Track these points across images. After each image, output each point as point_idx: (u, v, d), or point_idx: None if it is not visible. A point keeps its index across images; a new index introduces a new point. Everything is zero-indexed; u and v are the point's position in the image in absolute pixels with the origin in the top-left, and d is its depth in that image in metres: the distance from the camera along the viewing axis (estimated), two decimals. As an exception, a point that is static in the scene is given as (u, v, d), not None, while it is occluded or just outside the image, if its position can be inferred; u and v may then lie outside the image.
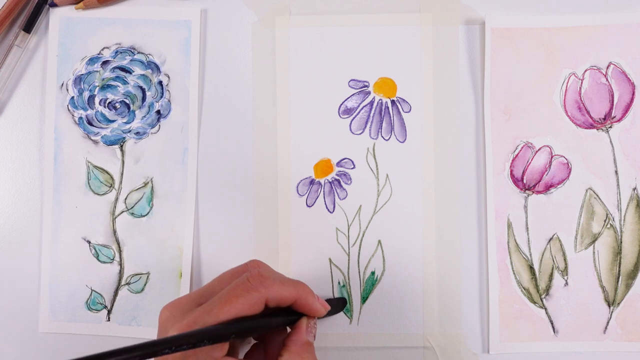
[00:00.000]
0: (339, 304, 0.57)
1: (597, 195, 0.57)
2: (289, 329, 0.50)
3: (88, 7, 0.60)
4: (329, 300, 0.53)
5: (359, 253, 0.58)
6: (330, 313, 0.53)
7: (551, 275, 0.57)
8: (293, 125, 0.59)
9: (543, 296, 0.57)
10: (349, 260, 0.58)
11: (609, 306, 0.57)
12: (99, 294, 0.59)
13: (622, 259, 0.57)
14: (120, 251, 0.59)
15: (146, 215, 0.59)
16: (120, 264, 0.59)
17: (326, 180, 0.59)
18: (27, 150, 0.60)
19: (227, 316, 0.43)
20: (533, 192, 0.58)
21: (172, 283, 0.58)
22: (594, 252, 0.57)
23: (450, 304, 0.57)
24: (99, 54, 0.60)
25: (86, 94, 0.60)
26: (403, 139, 0.59)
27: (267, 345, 0.50)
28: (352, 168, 0.59)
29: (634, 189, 0.57)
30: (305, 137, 0.59)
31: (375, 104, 0.59)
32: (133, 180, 0.59)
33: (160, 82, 0.59)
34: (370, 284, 0.58)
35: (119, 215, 0.59)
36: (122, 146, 0.59)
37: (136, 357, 0.38)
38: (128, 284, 0.59)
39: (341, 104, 0.59)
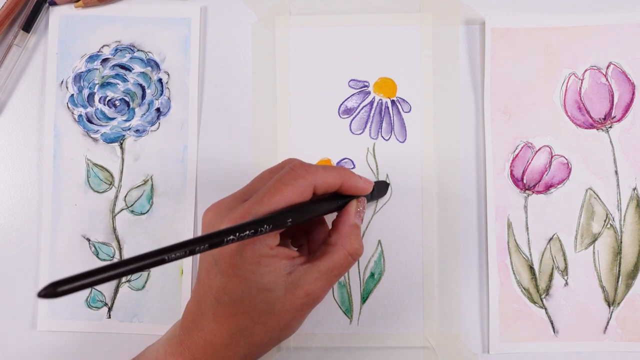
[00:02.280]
0: (383, 185, 0.58)
1: (597, 195, 0.57)
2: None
3: (88, 6, 0.60)
4: (376, 182, 0.54)
5: (358, 253, 0.58)
6: (375, 195, 0.55)
7: (551, 275, 0.57)
8: (293, 125, 0.59)
9: (543, 296, 0.57)
10: (348, 260, 0.58)
11: (609, 306, 0.57)
12: (99, 291, 0.58)
13: (622, 259, 0.57)
14: (120, 249, 0.58)
15: (146, 213, 0.59)
16: (120, 261, 0.58)
17: (326, 180, 0.59)
18: (27, 148, 0.60)
19: (280, 204, 0.43)
20: (533, 192, 0.58)
21: (173, 280, 0.58)
22: (594, 252, 0.57)
23: (450, 304, 0.57)
24: (98, 52, 0.60)
25: (86, 92, 0.59)
26: (403, 139, 0.59)
27: (310, 241, 0.52)
28: (352, 168, 0.59)
29: (634, 189, 0.57)
30: (305, 137, 0.59)
31: (375, 104, 0.59)
32: (133, 178, 0.59)
33: (160, 80, 0.59)
34: (370, 284, 0.58)
35: (118, 213, 0.59)
36: (121, 144, 0.59)
37: (204, 246, 0.39)
38: (129, 281, 0.58)
39: (341, 104, 0.59)
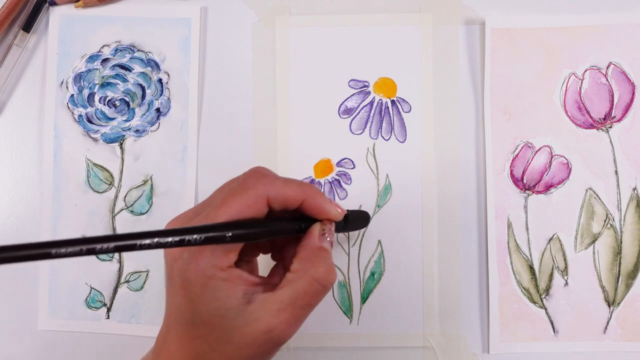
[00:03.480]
0: (361, 217, 0.53)
1: (597, 195, 0.57)
2: None
3: (88, 6, 0.60)
4: (351, 212, 0.48)
5: (359, 253, 0.58)
6: (351, 225, 0.49)
7: (551, 275, 0.57)
8: (293, 125, 0.59)
9: (543, 296, 0.57)
10: (349, 260, 0.58)
11: (609, 306, 0.57)
12: (99, 291, 0.58)
13: (622, 259, 0.57)
14: (119, 249, 0.59)
15: (146, 213, 0.59)
16: (120, 261, 0.58)
17: (326, 180, 0.59)
18: (27, 148, 0.60)
19: (224, 218, 0.39)
20: (533, 192, 0.58)
21: (171, 281, 0.58)
22: (594, 252, 0.57)
23: (450, 304, 0.57)
24: (98, 52, 0.60)
25: (86, 92, 0.59)
26: (403, 139, 0.59)
27: (286, 262, 0.45)
28: (352, 168, 0.59)
29: (634, 189, 0.57)
30: (305, 137, 0.59)
31: (375, 104, 0.59)
32: (132, 178, 0.59)
33: (160, 80, 0.59)
34: (370, 284, 0.58)
35: (118, 213, 0.59)
36: (121, 144, 0.59)
37: (112, 249, 0.35)
38: (127, 281, 0.58)
39: (341, 104, 0.59)
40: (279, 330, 0.40)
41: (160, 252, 0.58)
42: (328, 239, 0.43)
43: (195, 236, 0.36)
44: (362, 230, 0.58)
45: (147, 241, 0.35)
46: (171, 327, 0.41)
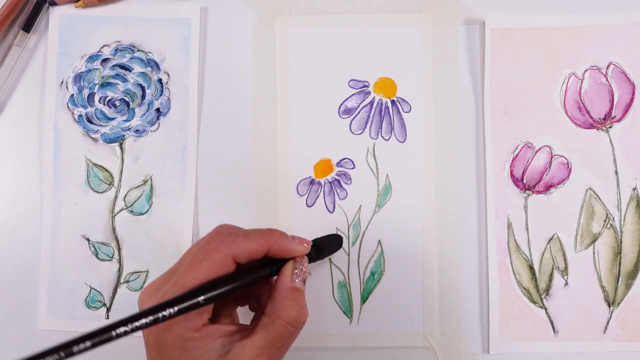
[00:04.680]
0: (333, 241, 0.54)
1: (597, 195, 0.57)
2: None
3: (88, 6, 0.60)
4: (321, 239, 0.51)
5: (359, 253, 0.58)
6: (325, 251, 0.50)
7: (551, 275, 0.57)
8: (293, 125, 0.59)
9: (543, 296, 0.57)
10: (349, 260, 0.58)
11: (609, 306, 0.57)
12: (98, 291, 0.58)
13: (622, 259, 0.57)
14: (119, 249, 0.59)
15: (145, 213, 0.59)
16: (120, 261, 0.58)
17: (326, 180, 0.59)
18: (27, 148, 0.60)
19: (193, 284, 0.40)
20: (533, 192, 0.58)
21: (171, 281, 0.58)
22: (594, 252, 0.57)
23: (450, 304, 0.57)
24: (98, 52, 0.60)
25: (86, 92, 0.59)
26: (403, 139, 0.59)
27: (262, 306, 0.47)
28: (352, 168, 0.59)
29: (634, 189, 0.57)
30: (305, 137, 0.59)
31: (375, 104, 0.59)
32: (132, 178, 0.59)
33: (159, 80, 0.59)
34: (370, 284, 0.58)
35: (118, 213, 0.59)
36: (121, 144, 0.59)
37: (90, 347, 0.36)
38: (127, 281, 0.58)
39: (341, 104, 0.59)
40: None
41: (159, 252, 0.58)
42: (300, 277, 0.45)
43: (169, 311, 0.38)
44: (363, 230, 0.58)
45: (123, 329, 0.37)
46: None
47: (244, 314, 0.51)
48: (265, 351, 0.42)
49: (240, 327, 0.44)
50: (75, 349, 0.36)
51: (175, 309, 0.38)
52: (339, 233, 0.58)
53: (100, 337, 0.36)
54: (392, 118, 0.59)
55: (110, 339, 0.36)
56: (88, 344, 0.36)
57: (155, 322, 0.37)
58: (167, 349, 0.40)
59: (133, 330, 0.37)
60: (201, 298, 0.39)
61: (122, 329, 0.36)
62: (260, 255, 0.44)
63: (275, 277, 0.46)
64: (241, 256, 0.42)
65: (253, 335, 0.42)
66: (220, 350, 0.41)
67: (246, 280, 0.42)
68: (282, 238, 0.45)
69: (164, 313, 0.38)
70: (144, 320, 0.37)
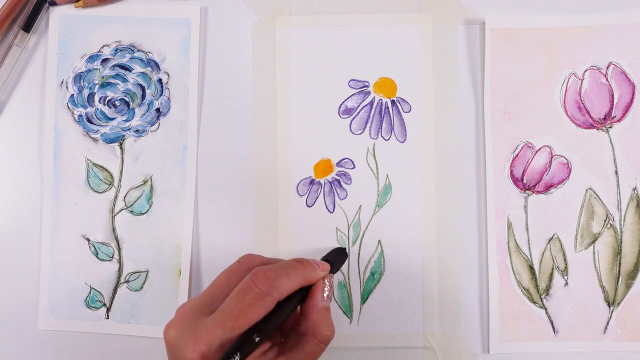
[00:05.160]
0: (339, 255, 0.56)
1: (597, 195, 0.57)
2: None
3: (88, 6, 0.60)
4: (328, 256, 0.54)
5: (359, 253, 0.58)
6: (335, 267, 0.53)
7: (551, 275, 0.57)
8: (293, 125, 0.59)
9: (543, 296, 0.57)
10: (349, 260, 0.58)
11: (609, 306, 0.57)
12: (98, 291, 0.58)
13: (622, 259, 0.57)
14: (119, 249, 0.59)
15: (145, 213, 0.59)
16: (120, 261, 0.59)
17: (326, 180, 0.59)
18: (27, 148, 0.60)
19: (245, 327, 0.42)
20: (533, 192, 0.58)
21: (171, 281, 0.58)
22: (594, 252, 0.57)
23: (450, 304, 0.57)
24: (98, 52, 0.60)
25: (86, 92, 0.59)
26: (403, 139, 0.59)
27: (281, 326, 0.49)
28: (352, 168, 0.59)
29: (634, 189, 0.57)
30: (305, 137, 0.59)
31: (375, 104, 0.59)
32: (132, 178, 0.59)
33: (159, 80, 0.59)
34: (370, 284, 0.58)
35: (118, 213, 0.59)
36: (121, 144, 0.59)
37: None
38: (127, 281, 0.58)
39: (341, 104, 0.59)
40: None
41: (159, 252, 0.58)
42: (326, 297, 0.48)
43: (234, 358, 0.41)
44: (363, 230, 0.58)
45: None
46: None
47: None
48: None
49: (268, 346, 0.46)
50: None
51: (238, 356, 0.41)
52: (340, 233, 0.58)
53: None
54: (392, 118, 0.59)
55: None
56: None
57: None
58: None
59: None
60: (257, 338, 0.42)
61: None
62: (297, 289, 0.46)
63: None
64: (284, 296, 0.45)
65: (288, 352, 0.45)
66: None
67: (287, 312, 0.46)
68: (313, 272, 0.47)
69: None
70: None
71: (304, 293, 0.47)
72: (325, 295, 0.48)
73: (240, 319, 0.42)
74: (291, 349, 0.45)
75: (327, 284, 0.48)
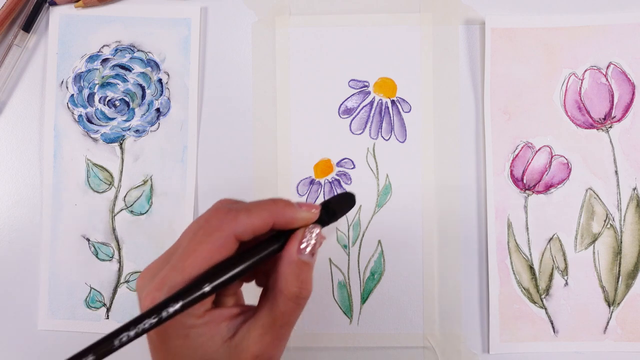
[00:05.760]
0: (344, 200, 0.45)
1: (597, 195, 0.57)
2: None
3: (88, 6, 0.60)
4: (331, 199, 0.43)
5: (359, 253, 0.58)
6: (337, 213, 0.43)
7: (551, 275, 0.57)
8: (293, 125, 0.59)
9: (543, 296, 0.57)
10: (349, 260, 0.58)
11: (609, 306, 0.57)
12: (98, 291, 0.58)
13: (622, 259, 0.57)
14: (119, 249, 0.59)
15: (145, 213, 0.59)
16: (120, 261, 0.59)
17: (326, 180, 0.59)
18: (27, 148, 0.60)
19: (196, 269, 0.36)
20: (533, 192, 0.58)
21: (171, 281, 0.58)
22: (594, 252, 0.57)
23: (450, 304, 0.57)
24: (98, 52, 0.60)
25: (86, 92, 0.59)
26: (403, 139, 0.59)
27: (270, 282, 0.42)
28: (352, 168, 0.59)
29: (634, 189, 0.57)
30: (305, 137, 0.59)
31: (375, 104, 0.59)
32: (132, 178, 0.59)
33: (159, 80, 0.59)
34: (370, 284, 0.58)
35: (118, 213, 0.59)
36: (121, 144, 0.59)
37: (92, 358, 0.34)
38: (127, 281, 0.58)
39: (341, 104, 0.59)
40: (266, 354, 0.39)
41: (159, 252, 0.58)
42: (309, 249, 0.40)
43: (173, 308, 0.35)
44: (363, 230, 0.58)
45: (125, 336, 0.34)
46: None
47: (251, 291, 0.46)
48: (269, 330, 0.39)
49: (244, 308, 0.40)
50: None
51: (179, 305, 0.35)
52: (340, 233, 0.58)
53: (102, 348, 0.34)
54: (392, 118, 0.59)
55: (111, 349, 0.34)
56: (90, 358, 0.34)
57: (159, 322, 0.35)
58: (169, 339, 0.37)
59: (137, 335, 0.34)
60: (207, 288, 0.36)
61: (124, 336, 0.34)
62: (265, 230, 0.39)
63: None
64: (244, 234, 0.38)
65: (257, 314, 0.39)
66: (225, 335, 0.38)
67: (252, 261, 0.38)
68: (288, 208, 0.39)
69: (166, 313, 0.35)
70: (146, 324, 0.34)
71: (282, 243, 0.40)
72: (303, 246, 0.39)
73: (189, 258, 0.36)
74: (260, 309, 0.39)
75: (311, 234, 0.40)
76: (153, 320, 0.34)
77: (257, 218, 0.38)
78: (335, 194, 0.54)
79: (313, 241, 0.40)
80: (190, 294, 0.35)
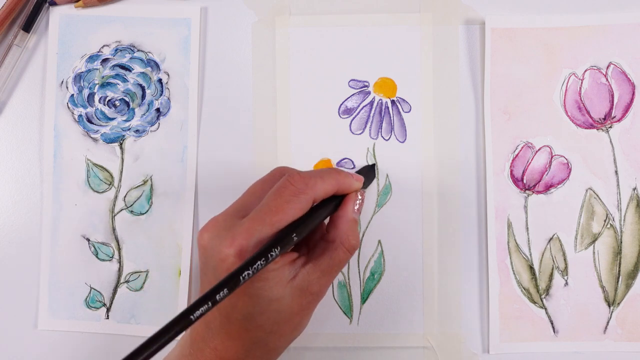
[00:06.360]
0: (370, 172, 0.57)
1: (597, 195, 0.57)
2: None
3: (88, 6, 0.60)
4: (359, 172, 0.55)
5: (359, 253, 0.58)
6: (366, 184, 0.54)
7: (551, 275, 0.57)
8: (293, 125, 0.59)
9: (543, 296, 0.57)
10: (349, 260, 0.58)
11: (609, 306, 0.57)
12: (98, 291, 0.58)
13: (622, 259, 0.57)
14: (119, 249, 0.59)
15: (145, 213, 0.59)
16: (120, 261, 0.59)
17: (326, 180, 0.59)
18: (27, 148, 0.60)
19: (282, 223, 0.43)
20: (533, 192, 0.58)
21: (171, 281, 0.58)
22: (594, 252, 0.57)
23: (450, 304, 0.57)
24: (98, 52, 0.60)
25: (86, 92, 0.59)
26: (403, 139, 0.59)
27: (307, 237, 0.50)
28: (352, 168, 0.59)
29: (634, 189, 0.57)
30: (305, 137, 0.59)
31: (375, 104, 0.59)
32: (132, 178, 0.59)
33: (159, 80, 0.59)
34: (370, 284, 0.58)
35: (118, 213, 0.59)
36: (121, 144, 0.59)
37: (224, 292, 0.38)
38: (127, 281, 0.58)
39: (341, 104, 0.59)
40: (321, 291, 0.47)
41: (159, 252, 0.58)
42: (359, 209, 0.49)
43: (275, 252, 0.41)
44: (363, 230, 0.58)
45: (246, 274, 0.39)
46: (217, 327, 0.45)
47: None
48: (326, 274, 0.46)
49: (297, 254, 0.47)
50: (218, 297, 0.38)
51: (278, 249, 0.41)
52: None
53: (232, 282, 0.38)
54: (392, 118, 0.59)
55: (239, 283, 0.39)
56: (225, 291, 0.38)
57: (266, 262, 0.40)
58: (252, 281, 0.42)
59: (254, 272, 0.39)
60: (295, 236, 0.43)
61: (245, 274, 0.39)
62: (330, 195, 0.48)
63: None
64: (319, 198, 0.46)
65: (316, 259, 0.46)
66: (288, 276, 0.44)
67: (321, 217, 0.47)
68: (347, 178, 0.49)
69: (272, 254, 0.41)
70: (258, 264, 0.40)
71: (336, 203, 0.48)
72: (356, 207, 0.49)
73: (278, 214, 0.43)
74: (319, 256, 0.46)
75: (360, 197, 0.49)
76: (263, 262, 0.40)
77: (330, 185, 0.47)
78: (361, 167, 0.58)
79: (359, 203, 0.49)
80: (285, 241, 0.42)
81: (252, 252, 0.42)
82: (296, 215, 0.44)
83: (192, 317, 0.36)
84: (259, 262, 0.40)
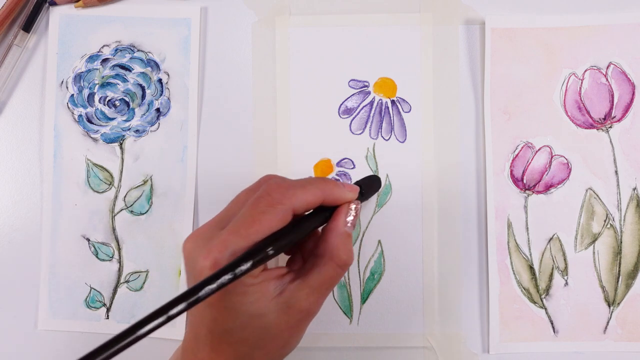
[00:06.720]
0: (373, 183, 0.53)
1: (597, 195, 0.57)
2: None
3: (88, 6, 0.60)
4: (362, 181, 0.51)
5: (359, 253, 0.58)
6: (367, 194, 0.51)
7: (551, 275, 0.57)
8: (293, 125, 0.59)
9: (543, 296, 0.57)
10: (348, 260, 0.58)
11: (609, 306, 0.57)
12: (98, 291, 0.58)
13: (622, 259, 0.57)
14: (119, 249, 0.59)
15: (145, 213, 0.59)
16: (120, 261, 0.59)
17: (326, 180, 0.59)
18: (27, 148, 0.60)
19: (258, 236, 0.41)
20: (533, 192, 0.58)
21: (171, 281, 0.58)
22: (594, 252, 0.57)
23: (450, 304, 0.57)
24: (98, 52, 0.60)
25: (86, 92, 0.60)
26: (403, 139, 0.59)
27: (302, 249, 0.48)
28: (352, 168, 0.59)
29: (634, 189, 0.57)
30: (305, 137, 0.59)
31: (375, 104, 0.59)
32: (132, 178, 0.59)
33: (159, 80, 0.59)
34: (370, 284, 0.58)
35: (118, 213, 0.59)
36: (121, 144, 0.59)
37: (181, 307, 0.36)
38: (127, 281, 0.58)
39: (341, 104, 0.59)
40: (311, 309, 0.44)
41: (159, 252, 0.58)
42: (350, 223, 0.46)
43: (245, 267, 0.39)
44: (363, 230, 0.58)
45: (208, 289, 0.37)
46: (203, 340, 0.43)
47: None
48: (316, 291, 0.44)
49: (286, 269, 0.45)
50: (172, 314, 0.36)
51: (250, 263, 0.39)
52: None
53: (189, 297, 0.37)
54: (392, 118, 0.59)
55: (198, 299, 0.37)
56: (183, 305, 0.36)
57: (234, 279, 0.38)
58: (229, 295, 0.41)
59: (218, 288, 0.38)
60: (270, 250, 0.40)
61: (207, 290, 0.37)
62: (316, 206, 0.45)
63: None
64: (300, 208, 0.43)
65: (305, 276, 0.44)
66: (273, 292, 0.43)
67: (305, 230, 0.44)
68: (336, 188, 0.46)
69: (242, 268, 0.39)
70: (224, 278, 0.38)
71: (327, 215, 0.46)
72: (348, 220, 0.46)
73: (253, 226, 0.41)
74: (308, 272, 0.44)
75: (353, 209, 0.46)
76: (229, 276, 0.38)
77: (312, 195, 0.44)
78: (365, 177, 0.55)
79: (353, 216, 0.46)
80: (258, 255, 0.40)
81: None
82: (273, 227, 0.41)
83: (140, 331, 0.35)
84: (224, 277, 0.38)
